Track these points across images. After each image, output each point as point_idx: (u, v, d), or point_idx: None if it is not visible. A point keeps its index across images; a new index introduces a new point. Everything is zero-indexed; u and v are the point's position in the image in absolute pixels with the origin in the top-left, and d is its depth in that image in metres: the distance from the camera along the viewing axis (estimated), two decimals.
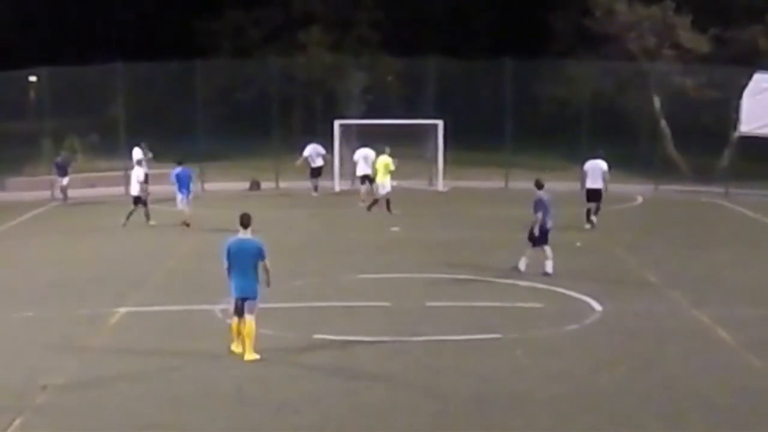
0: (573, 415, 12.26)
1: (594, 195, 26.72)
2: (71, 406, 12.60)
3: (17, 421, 11.91)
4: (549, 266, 20.16)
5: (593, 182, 26.79)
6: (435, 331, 15.94)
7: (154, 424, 12.03)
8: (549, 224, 20.32)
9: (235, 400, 12.77)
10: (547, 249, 20.29)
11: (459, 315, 17.28)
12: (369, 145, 32.10)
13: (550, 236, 20.51)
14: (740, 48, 38.69)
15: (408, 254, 22.91)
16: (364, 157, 31.95)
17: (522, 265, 20.28)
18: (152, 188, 27.99)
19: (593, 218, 26.45)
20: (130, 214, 26.80)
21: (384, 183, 29.73)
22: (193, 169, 28.29)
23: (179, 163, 27.33)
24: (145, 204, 27.05)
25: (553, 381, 13.52)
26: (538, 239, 20.29)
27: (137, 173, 27.47)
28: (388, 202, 29.63)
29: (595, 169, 26.80)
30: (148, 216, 27.02)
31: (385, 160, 29.88)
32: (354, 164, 32.70)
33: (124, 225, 26.59)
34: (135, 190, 27.22)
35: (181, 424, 12.04)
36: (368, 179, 31.70)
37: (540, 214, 20.22)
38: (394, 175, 30.01)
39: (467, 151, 38.28)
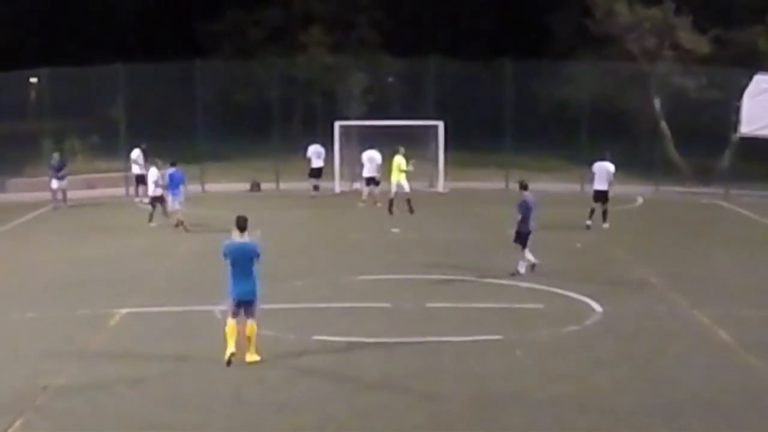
0: (573, 415, 12.26)
1: (600, 196, 26.89)
2: (72, 407, 12.61)
3: (18, 422, 11.92)
4: (523, 265, 20.15)
5: (600, 184, 27.00)
6: (435, 332, 15.94)
7: (154, 425, 12.04)
8: (531, 225, 20.33)
9: (234, 401, 12.77)
10: (526, 251, 20.30)
11: (459, 316, 17.28)
12: (374, 147, 32.08)
13: (540, 237, 20.51)
14: (740, 49, 38.67)
15: (408, 255, 22.91)
16: (369, 159, 31.93)
17: (521, 268, 20.27)
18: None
19: (604, 225, 26.54)
20: (164, 213, 27.18)
21: (400, 182, 29.68)
22: (185, 172, 28.26)
23: (173, 164, 27.46)
24: (153, 205, 27.40)
25: (553, 381, 13.53)
26: (518, 240, 20.29)
27: (152, 174, 27.63)
28: (390, 202, 29.63)
29: (602, 171, 27.00)
30: (151, 216, 27.22)
31: (398, 160, 29.88)
32: (360, 166, 32.68)
33: (176, 226, 26.49)
34: (151, 190, 27.64)
35: (181, 425, 12.04)
36: (373, 181, 31.71)
37: (520, 216, 20.25)
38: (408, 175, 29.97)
39: (467, 152, 38.25)
